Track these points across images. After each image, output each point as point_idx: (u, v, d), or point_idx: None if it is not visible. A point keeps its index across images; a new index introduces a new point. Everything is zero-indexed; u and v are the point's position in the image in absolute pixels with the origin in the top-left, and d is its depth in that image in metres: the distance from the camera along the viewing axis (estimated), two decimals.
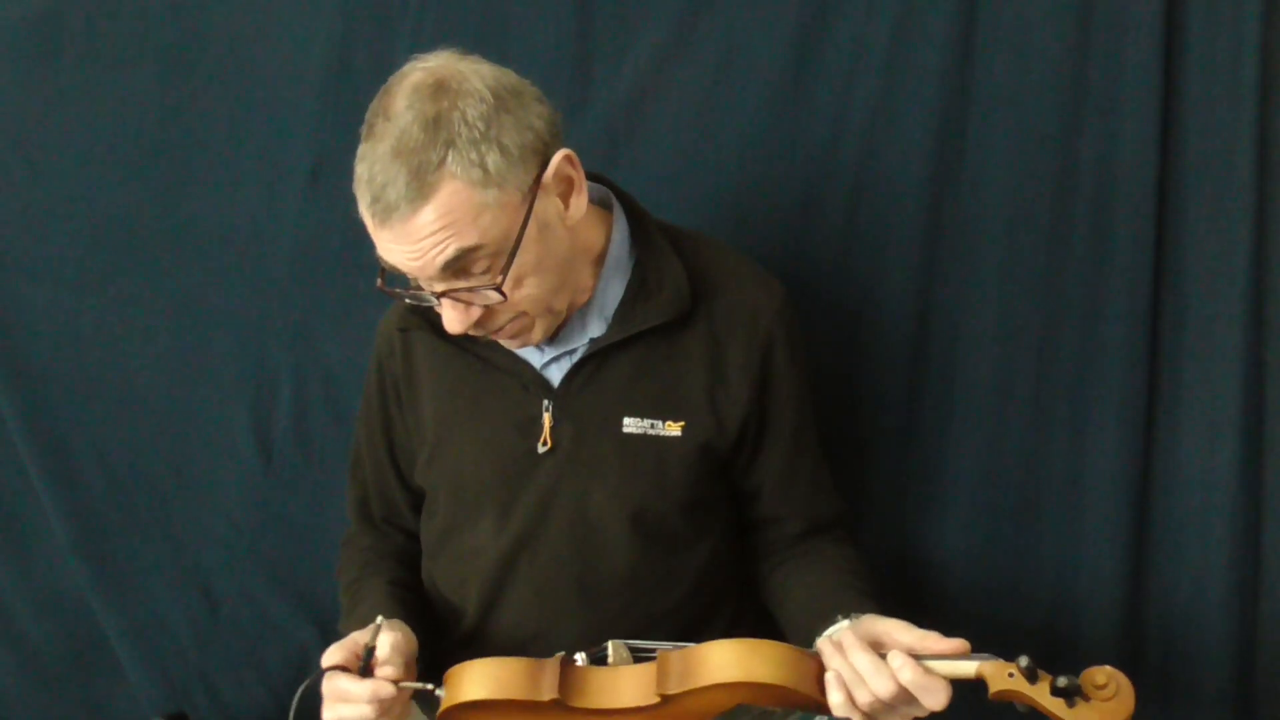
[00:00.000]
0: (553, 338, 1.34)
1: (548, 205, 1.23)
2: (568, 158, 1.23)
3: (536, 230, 1.21)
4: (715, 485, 1.38)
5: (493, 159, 1.17)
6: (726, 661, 1.15)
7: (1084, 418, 1.57)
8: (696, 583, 1.38)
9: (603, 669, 1.22)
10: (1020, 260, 1.58)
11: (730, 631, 1.35)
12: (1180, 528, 1.55)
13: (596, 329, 1.33)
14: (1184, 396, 1.54)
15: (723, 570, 1.41)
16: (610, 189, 1.37)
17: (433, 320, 1.34)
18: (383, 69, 1.73)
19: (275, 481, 1.83)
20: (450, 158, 1.15)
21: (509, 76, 1.22)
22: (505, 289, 1.20)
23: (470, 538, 1.39)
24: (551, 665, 1.20)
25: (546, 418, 1.33)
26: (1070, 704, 1.10)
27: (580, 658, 1.23)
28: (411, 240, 1.17)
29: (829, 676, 1.15)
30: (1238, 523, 1.51)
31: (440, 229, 1.16)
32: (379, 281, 1.25)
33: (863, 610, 1.23)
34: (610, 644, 1.25)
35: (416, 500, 1.49)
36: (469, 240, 1.17)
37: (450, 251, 1.17)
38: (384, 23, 1.75)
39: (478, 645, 1.39)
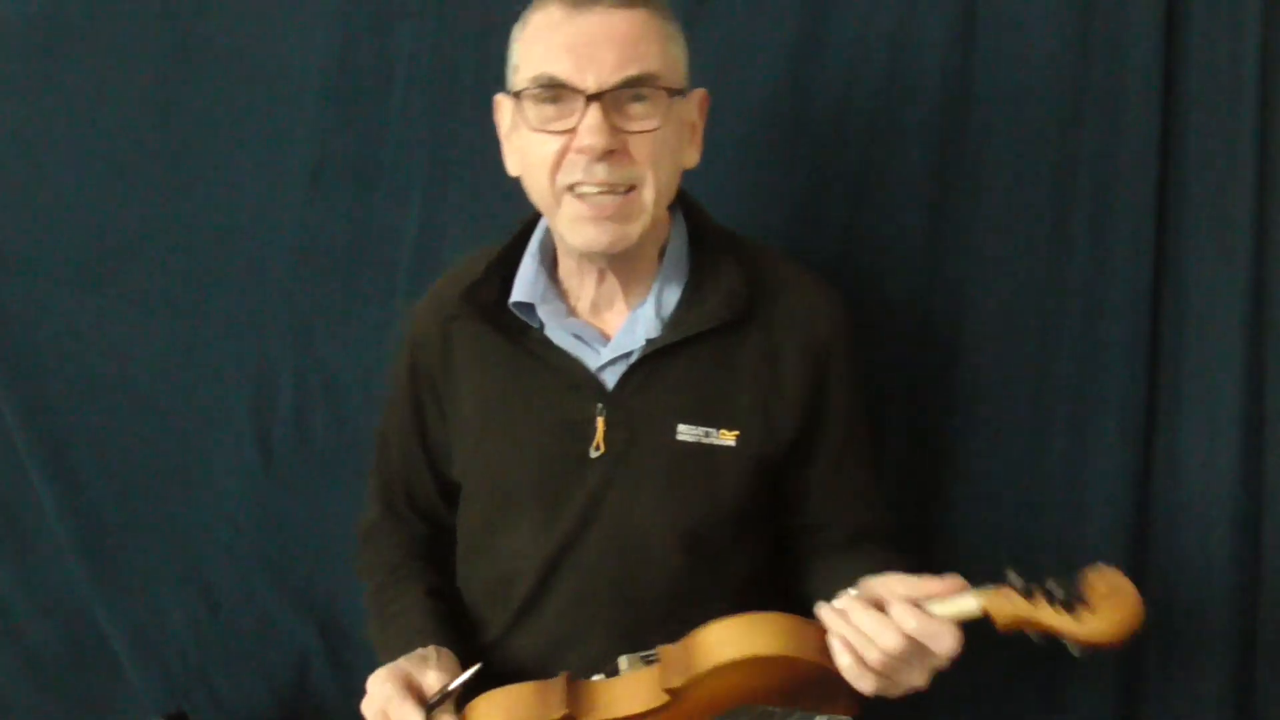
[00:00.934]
0: (608, 338, 1.33)
1: (685, 117, 1.29)
2: (705, 98, 1.31)
3: (677, 119, 1.27)
4: (763, 496, 1.35)
5: (679, 38, 1.28)
6: (726, 639, 1.12)
7: (1084, 418, 1.57)
8: (737, 593, 1.34)
9: (608, 680, 1.20)
10: (1020, 260, 1.58)
11: None
12: (1180, 527, 1.55)
13: (652, 331, 1.31)
14: (1184, 396, 1.54)
15: (762, 582, 1.39)
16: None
17: (486, 311, 1.34)
18: (383, 69, 1.77)
19: (275, 481, 1.83)
20: (656, 4, 1.25)
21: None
22: (652, 136, 1.23)
23: (511, 539, 1.36)
24: (558, 684, 1.17)
25: (600, 421, 1.31)
26: (1074, 615, 1.08)
27: (598, 677, 1.21)
28: (606, 38, 1.21)
29: (834, 641, 1.12)
30: (1238, 521, 1.51)
31: (639, 39, 1.22)
32: (517, 90, 1.26)
33: None
34: (622, 659, 1.23)
35: (446, 488, 1.45)
36: (657, 64, 1.23)
37: (645, 66, 1.22)
38: (384, 23, 1.76)
39: (508, 651, 1.37)
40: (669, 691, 1.13)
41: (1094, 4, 1.52)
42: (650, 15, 1.24)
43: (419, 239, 1.76)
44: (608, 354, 1.32)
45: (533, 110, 1.25)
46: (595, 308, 1.35)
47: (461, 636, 1.36)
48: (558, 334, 1.33)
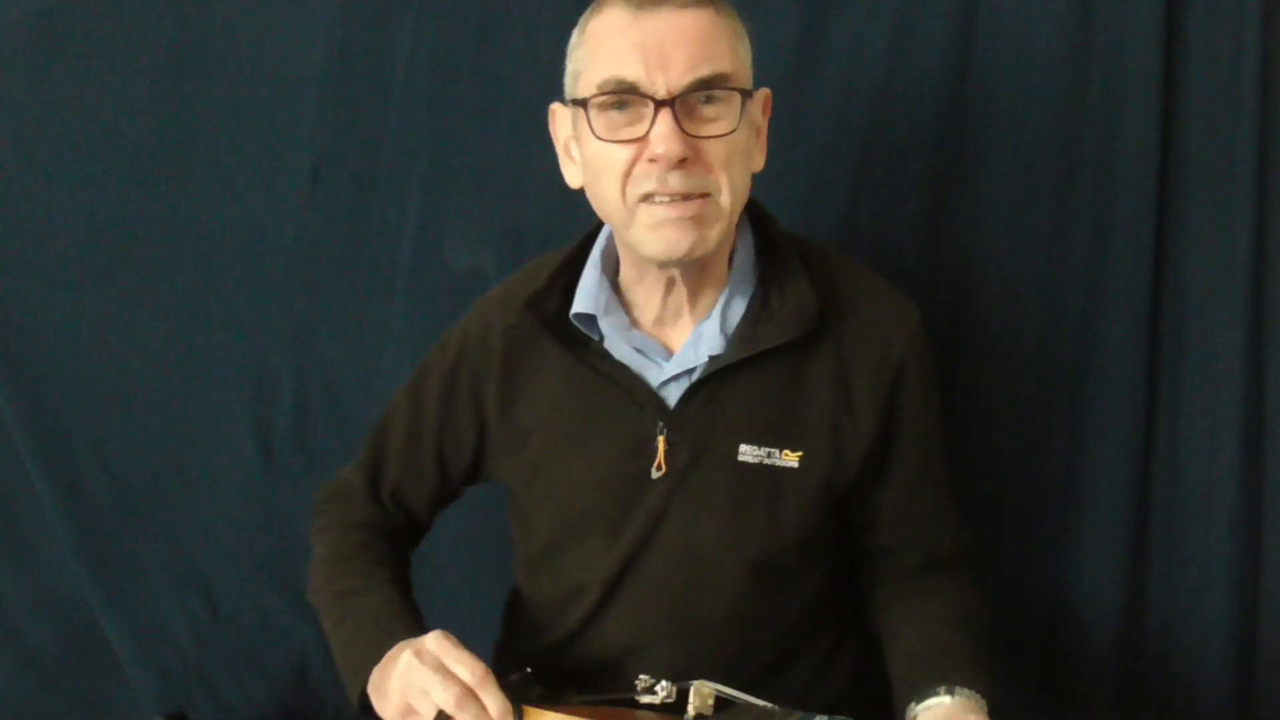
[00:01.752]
0: (671, 353, 1.29)
1: (754, 119, 1.26)
2: (769, 97, 1.27)
3: (748, 123, 1.23)
4: (829, 521, 1.31)
5: (745, 38, 1.25)
6: None
7: (1084, 418, 1.57)
8: (798, 618, 1.33)
9: None
10: (1020, 260, 1.57)
11: (828, 662, 1.32)
12: (1180, 528, 1.55)
13: (716, 347, 1.27)
14: (1184, 396, 1.54)
15: (825, 604, 1.36)
16: None
17: (549, 322, 1.30)
18: (383, 69, 1.76)
19: (275, 481, 1.83)
20: (722, 5, 1.22)
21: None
22: (724, 141, 1.19)
23: (576, 557, 1.33)
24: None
25: (661, 440, 1.27)
26: None
27: (663, 686, 1.18)
28: (676, 37, 1.17)
29: None
30: (1238, 523, 1.51)
31: (710, 38, 1.19)
32: (589, 95, 1.20)
33: (966, 680, 1.18)
34: (694, 685, 1.19)
35: (438, 492, 1.44)
36: (728, 65, 1.20)
37: (719, 66, 1.18)
38: (384, 23, 1.75)
39: (571, 656, 1.36)
40: None
41: (1094, 4, 1.52)
42: (718, 13, 1.21)
43: (418, 239, 1.76)
44: (670, 369, 1.28)
45: (599, 118, 1.20)
46: (659, 320, 1.31)
47: (525, 635, 1.37)
48: (619, 347, 1.30)
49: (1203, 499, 1.53)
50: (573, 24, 1.65)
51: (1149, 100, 1.50)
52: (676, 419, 1.28)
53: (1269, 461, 1.51)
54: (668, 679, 1.19)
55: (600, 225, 1.36)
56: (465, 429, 1.39)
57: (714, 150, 1.19)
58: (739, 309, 1.29)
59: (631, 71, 1.17)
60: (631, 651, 1.32)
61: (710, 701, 1.18)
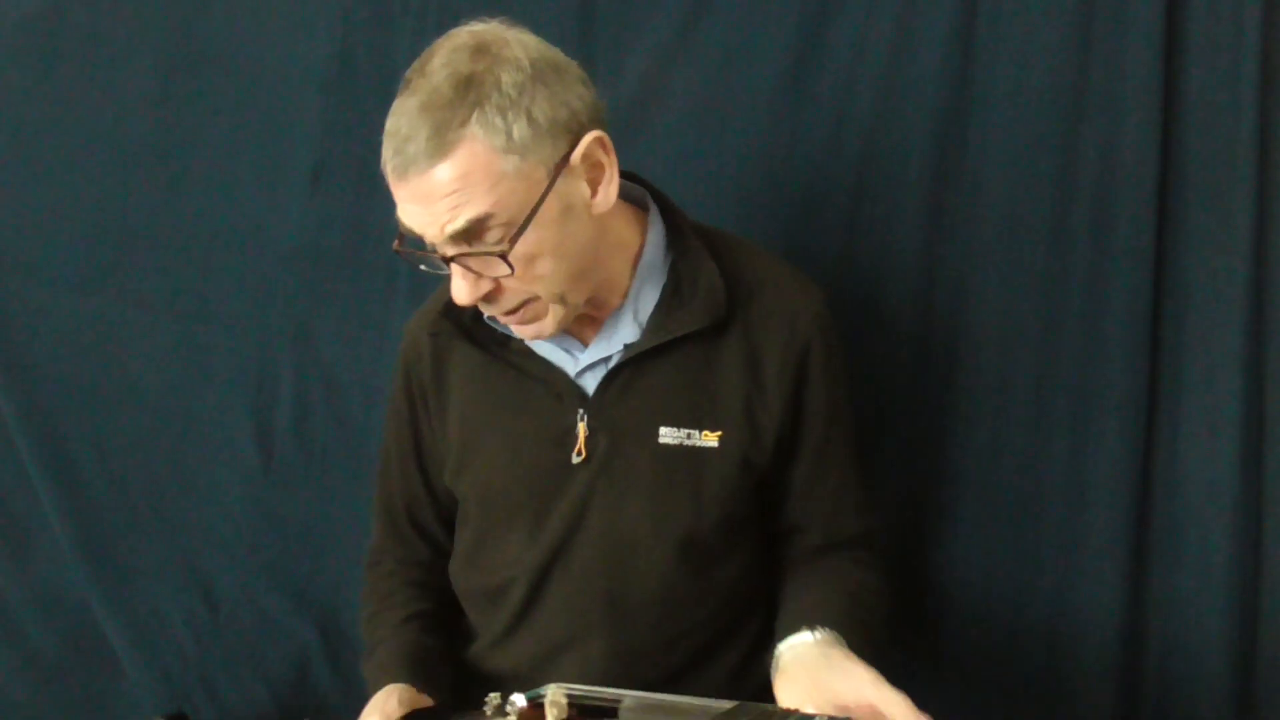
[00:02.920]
0: (586, 344, 1.31)
1: (573, 187, 1.20)
2: (599, 140, 1.20)
3: (558, 210, 1.19)
4: (751, 500, 1.34)
5: (519, 127, 1.15)
6: None
7: (1084, 418, 1.57)
8: (727, 597, 1.35)
9: None
10: (1020, 260, 1.57)
11: (758, 646, 1.32)
12: (1180, 528, 1.55)
13: (631, 335, 1.30)
14: (1184, 396, 1.54)
15: (753, 584, 1.38)
16: (647, 189, 1.35)
17: (465, 326, 1.32)
18: (383, 69, 1.76)
19: (275, 481, 1.83)
20: (475, 118, 1.14)
21: (554, 52, 1.22)
22: (513, 260, 1.16)
23: (502, 550, 1.36)
24: None
25: (581, 428, 1.30)
26: None
27: (518, 699, 1.15)
28: (427, 199, 1.16)
29: None
30: (1238, 523, 1.51)
31: (455, 190, 1.15)
32: (396, 243, 1.23)
33: (844, 634, 1.19)
34: (549, 693, 1.16)
35: (443, 510, 1.45)
36: (482, 207, 1.15)
37: (462, 218, 1.15)
38: (384, 23, 1.76)
39: (506, 654, 1.38)
40: None
41: (1094, 4, 1.52)
42: (467, 154, 1.14)
43: None
44: (585, 359, 1.31)
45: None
46: (576, 318, 1.32)
47: (446, 645, 1.38)
48: (540, 344, 1.32)
49: (1203, 499, 1.53)
50: (574, 25, 1.67)
51: (1149, 100, 1.50)
52: (595, 406, 1.30)
53: (1269, 461, 1.51)
54: (602, 670, 1.23)
55: None
56: (430, 441, 1.42)
57: (510, 279, 1.19)
58: (651, 298, 1.31)
59: (414, 232, 1.20)
60: (566, 645, 1.33)
61: (564, 701, 1.16)
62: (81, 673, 1.89)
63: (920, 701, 1.14)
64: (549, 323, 1.25)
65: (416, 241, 1.21)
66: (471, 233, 1.16)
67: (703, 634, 1.34)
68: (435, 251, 1.20)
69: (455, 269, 1.19)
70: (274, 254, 1.80)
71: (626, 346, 1.30)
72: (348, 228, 1.79)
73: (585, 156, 1.20)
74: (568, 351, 1.32)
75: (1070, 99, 1.54)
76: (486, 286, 1.20)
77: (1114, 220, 1.54)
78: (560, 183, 1.19)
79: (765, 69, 1.63)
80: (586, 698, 1.18)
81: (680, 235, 1.33)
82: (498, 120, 1.14)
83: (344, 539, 1.81)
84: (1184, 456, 1.54)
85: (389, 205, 1.77)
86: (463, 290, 1.20)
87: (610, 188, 1.23)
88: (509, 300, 1.23)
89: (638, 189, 1.35)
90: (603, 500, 1.31)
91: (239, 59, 1.79)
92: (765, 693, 1.21)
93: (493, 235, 1.17)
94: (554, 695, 1.16)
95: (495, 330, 1.33)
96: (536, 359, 1.32)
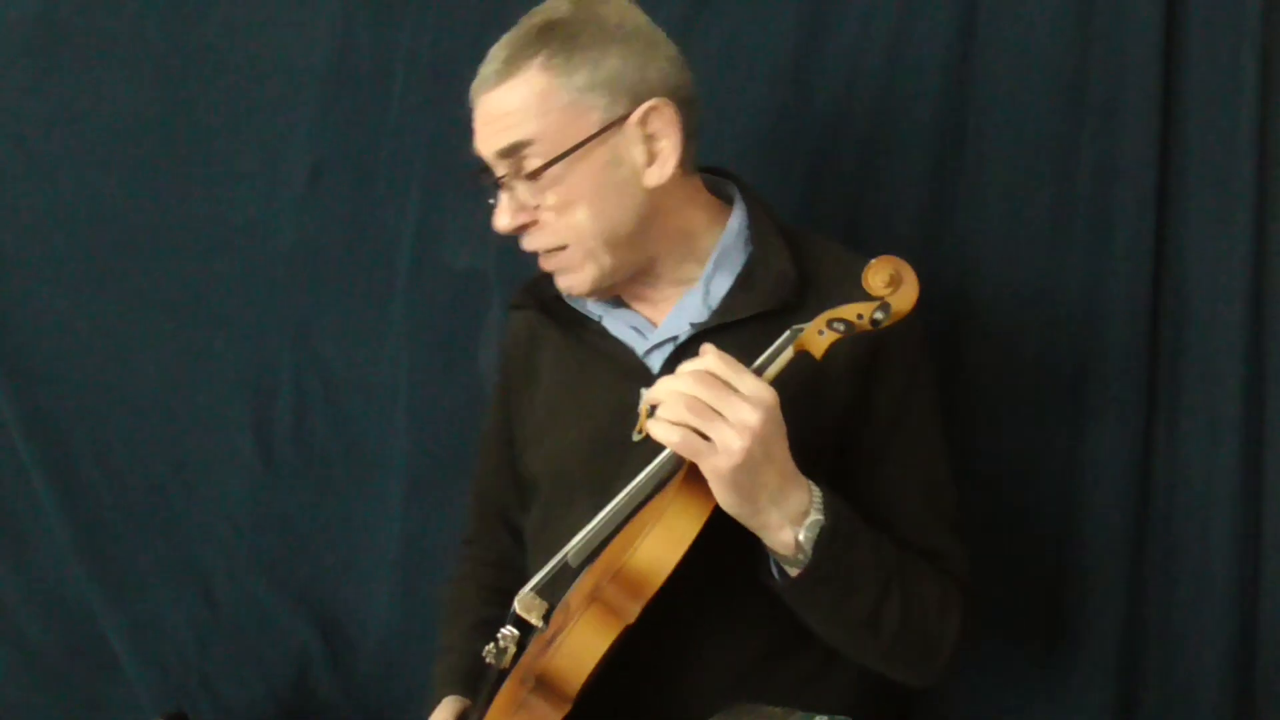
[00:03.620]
0: (658, 325, 1.33)
1: (626, 149, 1.26)
2: (659, 111, 1.26)
3: (603, 163, 1.25)
4: None
5: (582, 74, 1.24)
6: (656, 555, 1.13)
7: (1084, 418, 1.57)
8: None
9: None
10: (1020, 260, 1.57)
11: (831, 651, 1.27)
12: (1180, 528, 1.55)
13: (698, 317, 1.31)
14: (1184, 396, 1.54)
15: None
16: (738, 185, 1.37)
17: (546, 304, 1.37)
18: (383, 69, 1.77)
19: (275, 481, 1.83)
20: (543, 54, 1.24)
21: (651, 28, 1.30)
22: (549, 199, 1.25)
23: (563, 525, 1.33)
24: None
25: (643, 405, 1.28)
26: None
27: (507, 630, 1.22)
28: (486, 119, 1.27)
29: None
30: (1238, 522, 1.51)
31: (509, 113, 1.25)
32: (471, 179, 1.31)
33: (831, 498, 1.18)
34: (517, 600, 1.22)
35: (525, 498, 1.45)
36: (527, 132, 1.24)
37: (507, 139, 1.24)
38: (384, 22, 1.76)
39: None
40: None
41: (1094, 4, 1.52)
42: (527, 81, 1.25)
43: (418, 239, 1.76)
44: (654, 338, 1.33)
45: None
46: (649, 300, 1.36)
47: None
48: (615, 324, 1.35)
49: (1203, 499, 1.53)
50: None
51: (1149, 100, 1.50)
52: None
53: (1269, 461, 1.51)
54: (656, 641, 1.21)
55: None
56: (517, 425, 1.44)
57: (546, 214, 1.27)
58: (724, 283, 1.32)
59: (478, 150, 1.29)
60: None
61: (531, 597, 1.21)
62: (81, 673, 1.89)
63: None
64: (581, 279, 1.30)
65: (480, 172, 1.30)
66: (513, 154, 1.25)
67: (766, 629, 1.28)
68: (493, 177, 1.28)
69: (502, 196, 1.28)
70: (273, 254, 1.80)
71: (693, 325, 1.31)
72: (347, 227, 1.79)
73: (644, 123, 1.26)
74: (639, 331, 1.34)
75: (1070, 99, 1.54)
76: (524, 218, 1.28)
77: (1114, 220, 1.54)
78: (612, 138, 1.25)
79: (765, 67, 1.63)
80: (546, 575, 1.23)
81: (760, 227, 1.34)
82: (562, 61, 1.24)
83: (344, 539, 1.81)
84: (1184, 456, 1.54)
85: (389, 205, 1.79)
86: (502, 212, 1.28)
87: (666, 165, 1.27)
88: (540, 238, 1.29)
89: (727, 184, 1.37)
90: None
91: (238, 58, 1.79)
92: (843, 703, 1.20)
93: (530, 164, 1.25)
94: (522, 603, 1.22)
95: (575, 310, 1.37)
96: (609, 338, 1.35)
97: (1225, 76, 1.49)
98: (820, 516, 1.15)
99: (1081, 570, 1.58)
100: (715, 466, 1.11)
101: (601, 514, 1.20)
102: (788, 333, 1.18)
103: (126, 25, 1.81)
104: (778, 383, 1.16)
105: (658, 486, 1.19)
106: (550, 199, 1.26)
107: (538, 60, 1.24)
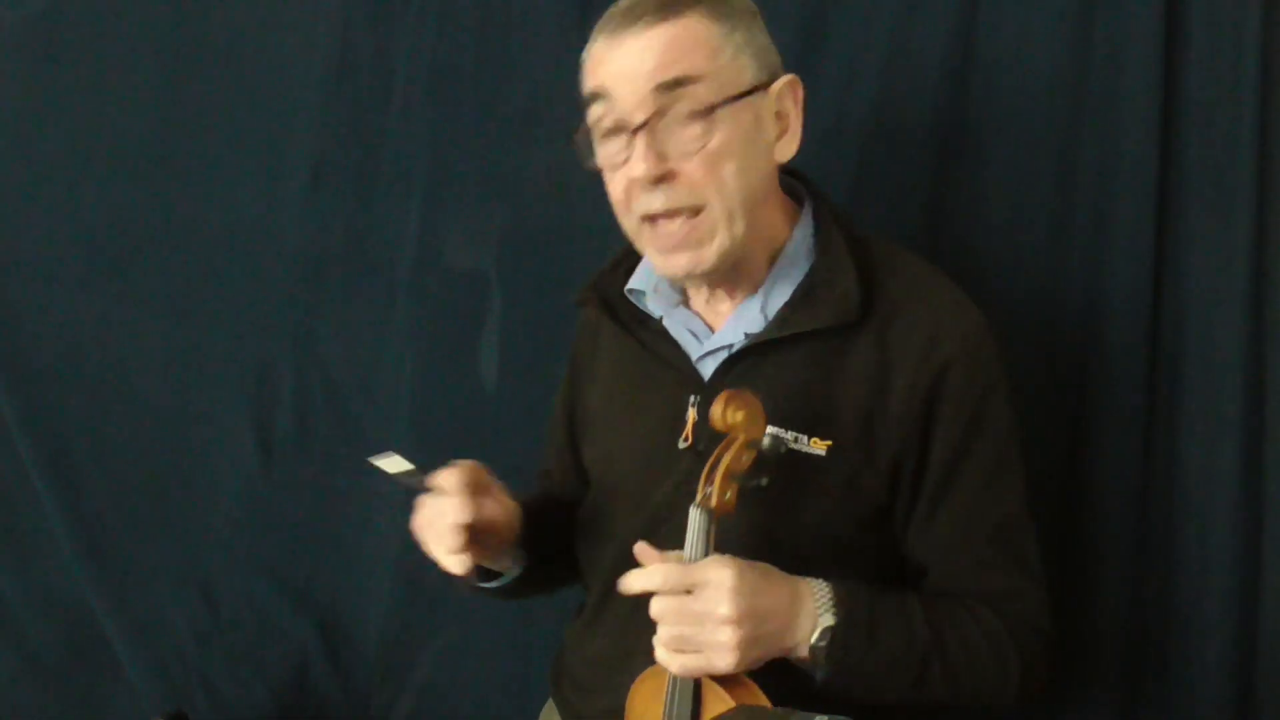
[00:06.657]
0: (715, 331, 1.30)
1: (766, 116, 1.24)
2: (792, 87, 1.25)
3: (750, 121, 1.22)
4: (860, 524, 1.25)
5: (739, 33, 1.22)
6: None
7: (1084, 418, 1.57)
8: None
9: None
10: (1020, 260, 1.57)
11: None
12: (1180, 528, 1.55)
13: (754, 326, 1.27)
14: (1184, 396, 1.54)
15: None
16: (807, 187, 1.34)
17: (610, 301, 1.35)
18: (383, 69, 1.77)
19: (275, 481, 1.83)
20: (705, 7, 1.20)
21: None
22: (705, 148, 1.18)
23: (607, 524, 1.36)
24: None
25: (691, 413, 1.28)
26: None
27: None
28: (641, 55, 1.18)
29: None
30: (1238, 523, 1.51)
31: (676, 47, 1.18)
32: (576, 133, 1.24)
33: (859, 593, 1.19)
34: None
35: (586, 480, 1.46)
36: (699, 68, 1.18)
37: (677, 69, 1.18)
38: (384, 22, 1.76)
39: (596, 625, 1.38)
40: None
41: (1094, 4, 1.52)
42: (694, 20, 1.19)
43: (419, 239, 1.76)
44: (709, 345, 1.30)
45: (600, 150, 1.24)
46: (710, 302, 1.32)
47: (553, 532, 1.42)
48: (674, 326, 1.33)
49: (1203, 499, 1.53)
50: (573, 24, 1.67)
51: (1149, 100, 1.50)
52: (709, 392, 1.26)
53: (1269, 461, 1.51)
54: None
55: None
56: (579, 414, 1.45)
57: (694, 164, 1.20)
58: (784, 293, 1.28)
59: (609, 105, 1.21)
60: (648, 628, 1.26)
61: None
62: (81, 673, 1.89)
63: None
64: (709, 251, 1.22)
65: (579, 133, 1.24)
66: (679, 87, 1.18)
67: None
68: (623, 130, 1.20)
69: (641, 142, 1.19)
70: (274, 254, 1.80)
71: (748, 335, 1.27)
72: (347, 228, 1.79)
73: (779, 97, 1.25)
74: (695, 336, 1.32)
75: (1070, 99, 1.54)
76: (665, 167, 1.20)
77: (1114, 220, 1.54)
78: (758, 101, 1.22)
79: None
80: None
81: (827, 237, 1.29)
82: (724, 16, 1.21)
83: (344, 539, 1.81)
84: (1184, 456, 1.54)
85: (390, 205, 1.79)
86: (643, 162, 1.19)
87: (791, 142, 1.26)
88: (680, 193, 1.20)
89: (798, 185, 1.34)
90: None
91: (239, 59, 1.79)
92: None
93: (699, 100, 1.18)
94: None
95: (637, 309, 1.35)
96: (666, 340, 1.32)
97: (1225, 76, 1.49)
98: (830, 620, 1.16)
99: (1081, 570, 1.58)
100: (725, 665, 1.13)
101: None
102: (700, 515, 1.17)
103: (127, 25, 1.81)
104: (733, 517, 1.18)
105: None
106: (702, 146, 1.19)
107: (700, 9, 1.20)
